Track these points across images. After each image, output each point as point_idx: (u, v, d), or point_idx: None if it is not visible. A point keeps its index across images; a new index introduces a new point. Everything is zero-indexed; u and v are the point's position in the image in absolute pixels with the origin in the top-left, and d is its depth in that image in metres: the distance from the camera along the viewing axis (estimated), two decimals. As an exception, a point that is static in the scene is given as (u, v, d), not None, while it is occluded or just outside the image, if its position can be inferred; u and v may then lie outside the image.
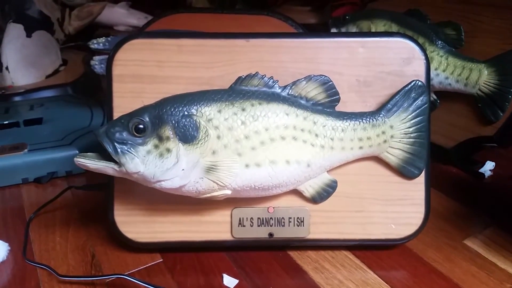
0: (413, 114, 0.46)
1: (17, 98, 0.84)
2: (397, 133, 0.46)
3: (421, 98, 0.46)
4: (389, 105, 0.46)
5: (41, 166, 0.64)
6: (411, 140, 0.46)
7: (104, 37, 0.66)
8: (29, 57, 0.90)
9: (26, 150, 0.64)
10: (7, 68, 0.88)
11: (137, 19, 1.23)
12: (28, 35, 0.91)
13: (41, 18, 0.95)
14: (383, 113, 0.46)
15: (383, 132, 0.46)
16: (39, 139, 0.67)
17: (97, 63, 0.66)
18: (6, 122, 0.72)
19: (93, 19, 1.06)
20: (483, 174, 0.64)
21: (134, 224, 0.48)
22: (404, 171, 0.47)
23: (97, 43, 0.65)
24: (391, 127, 0.46)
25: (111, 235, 0.51)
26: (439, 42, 0.65)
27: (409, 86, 0.46)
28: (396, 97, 0.46)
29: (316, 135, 0.44)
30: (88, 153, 0.42)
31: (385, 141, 0.46)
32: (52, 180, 0.64)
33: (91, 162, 0.41)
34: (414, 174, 0.47)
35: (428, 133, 0.47)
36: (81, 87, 0.90)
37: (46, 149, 0.65)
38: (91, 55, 0.74)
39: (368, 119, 0.45)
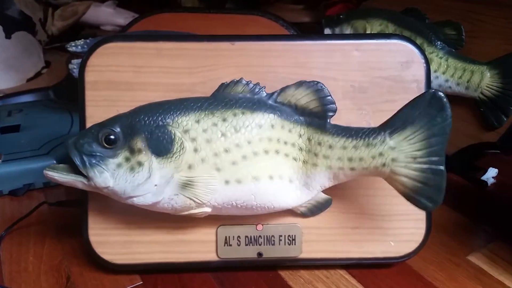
0: (425, 133, 0.38)
1: (-4, 103, 0.80)
2: (401, 156, 0.38)
3: (440, 114, 0.37)
4: (392, 121, 0.38)
5: (16, 178, 0.60)
6: (422, 166, 0.38)
7: (82, 39, 0.62)
8: (8, 59, 0.86)
9: (0, 160, 0.60)
10: (-15, 71, 0.84)
11: (124, 18, 1.18)
12: (8, 36, 0.87)
13: (21, 19, 0.91)
14: (384, 130, 0.38)
15: (381, 154, 0.38)
16: (15, 148, 0.63)
17: (76, 67, 0.61)
18: (-18, 130, 0.67)
19: (78, 18, 1.02)
20: (485, 182, 0.61)
21: (111, 244, 0.44)
22: (413, 202, 0.38)
23: (75, 46, 0.61)
24: (392, 148, 0.38)
25: (88, 254, 0.47)
26: (439, 42, 0.62)
27: (422, 97, 0.37)
28: (404, 110, 0.38)
29: (300, 149, 0.40)
30: (60, 165, 0.39)
31: (383, 165, 0.38)
32: (28, 192, 0.60)
33: (60, 175, 0.38)
34: (427, 207, 0.38)
35: (444, 157, 0.38)
36: (63, 90, 0.86)
37: (22, 159, 0.61)
38: (74, 57, 0.70)
39: (362, 137, 0.39)
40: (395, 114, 0.39)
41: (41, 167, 0.60)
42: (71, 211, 0.55)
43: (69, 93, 0.85)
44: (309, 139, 0.40)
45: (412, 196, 0.38)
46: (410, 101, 0.38)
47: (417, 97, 0.38)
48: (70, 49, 0.62)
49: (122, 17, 1.21)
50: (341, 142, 0.39)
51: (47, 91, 0.85)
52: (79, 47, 0.61)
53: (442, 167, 0.37)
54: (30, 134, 0.67)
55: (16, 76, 0.86)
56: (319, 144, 0.40)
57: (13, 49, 0.87)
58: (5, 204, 0.58)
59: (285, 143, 0.40)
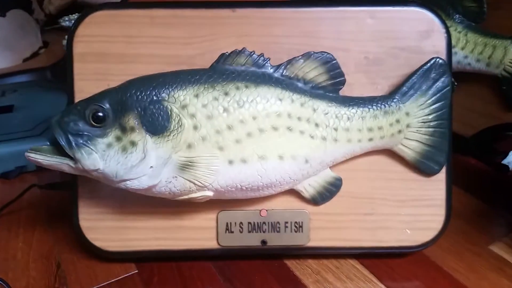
0: (433, 98, 0.39)
1: (-10, 84, 0.77)
2: (414, 121, 0.39)
3: (442, 79, 0.39)
4: (404, 88, 0.39)
5: (8, 160, 0.57)
6: (431, 130, 0.39)
7: (76, 13, 0.58)
8: (3, 38, 0.82)
9: (-9, 142, 0.57)
10: (-21, 51, 0.81)
11: (125, -3, 1.14)
12: (2, 14, 0.83)
13: (17, -4, 0.87)
14: (397, 97, 0.39)
15: (398, 121, 0.39)
16: (7, 129, 0.60)
17: (69, 43, 0.58)
18: (-26, 110, 0.64)
19: (76, -3, 0.98)
20: (507, 166, 0.57)
21: (103, 230, 0.41)
22: (422, 167, 0.40)
23: (68, 20, 0.58)
24: (407, 114, 0.39)
25: (79, 241, 0.44)
26: (457, 16, 0.57)
27: (428, 65, 0.39)
28: (413, 78, 0.39)
29: (316, 125, 0.37)
30: (43, 147, 0.36)
31: (399, 132, 0.39)
32: (21, 175, 0.57)
33: (43, 158, 0.35)
34: (434, 170, 0.40)
35: (449, 121, 0.40)
36: (61, 71, 0.82)
37: (14, 140, 0.58)
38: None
39: (379, 105, 0.38)
40: (404, 81, 0.39)
41: (33, 149, 0.57)
42: (64, 195, 0.52)
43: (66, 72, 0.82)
44: (325, 114, 0.37)
45: (421, 160, 0.40)
46: (418, 69, 0.39)
47: (423, 64, 0.39)
48: (63, 23, 0.58)
49: (123, -4, 1.17)
50: (359, 113, 0.38)
51: (44, 71, 0.82)
52: (73, 21, 0.57)
53: (446, 130, 0.39)
54: (23, 114, 0.64)
55: (12, 55, 0.83)
56: (337, 117, 0.37)
57: (8, 28, 0.84)
58: (-4, 188, 0.56)
59: (299, 119, 0.36)
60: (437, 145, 0.39)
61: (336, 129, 0.37)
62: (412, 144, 0.39)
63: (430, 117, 0.39)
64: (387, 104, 0.38)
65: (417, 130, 0.39)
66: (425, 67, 0.39)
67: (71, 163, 0.35)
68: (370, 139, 0.38)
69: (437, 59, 0.39)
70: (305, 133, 0.37)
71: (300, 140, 0.37)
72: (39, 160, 0.35)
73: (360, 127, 0.38)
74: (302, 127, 0.37)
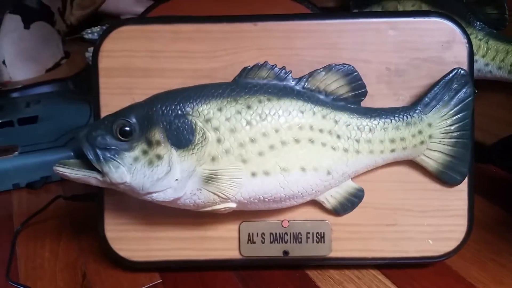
0: (455, 109, 0.39)
1: (14, 94, 0.79)
2: (437, 132, 0.39)
3: (464, 89, 0.39)
4: (426, 99, 0.39)
5: (33, 170, 0.58)
6: (453, 140, 0.39)
7: (99, 26, 0.60)
8: (27, 50, 0.84)
9: (17, 152, 0.58)
10: (4, 62, 0.82)
11: (144, 7, 1.15)
12: (26, 26, 0.85)
13: (40, 8, 0.89)
14: (419, 108, 0.39)
15: (420, 132, 0.39)
16: (32, 139, 0.61)
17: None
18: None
19: (97, 8, 1.00)
20: (530, 175, 0.56)
21: (128, 241, 0.42)
22: (444, 177, 0.40)
23: (91, 33, 0.59)
24: (430, 125, 0.39)
25: (104, 251, 0.45)
26: (478, 23, 0.57)
27: (450, 75, 0.39)
28: (435, 89, 0.39)
29: (338, 137, 0.37)
30: (71, 160, 0.37)
31: (422, 142, 0.39)
32: (46, 185, 0.59)
33: (71, 172, 0.36)
34: (456, 180, 0.40)
35: (472, 131, 0.40)
36: (83, 81, 0.84)
37: (39, 151, 0.59)
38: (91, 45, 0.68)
39: (401, 116, 0.38)
40: (426, 92, 0.39)
41: (58, 159, 0.57)
42: (88, 205, 0.53)
43: (88, 84, 0.84)
44: (346, 125, 0.37)
45: (443, 171, 0.40)
46: (440, 79, 0.39)
47: (444, 75, 0.39)
48: (86, 36, 0.60)
49: (142, 6, 1.18)
50: (381, 124, 0.38)
51: (66, 82, 0.83)
52: (96, 34, 0.59)
53: (469, 140, 0.39)
54: (47, 125, 0.65)
55: (35, 67, 0.85)
56: (359, 129, 0.37)
57: (32, 40, 0.85)
58: (22, 197, 0.57)
59: (321, 131, 0.36)
60: (460, 155, 0.39)
61: (358, 141, 0.38)
62: (434, 155, 0.39)
63: (452, 127, 0.39)
64: (410, 115, 0.38)
65: (440, 141, 0.39)
66: (447, 78, 0.39)
67: (98, 176, 0.35)
68: (392, 150, 0.38)
69: (459, 70, 0.39)
70: (327, 145, 0.37)
71: (322, 152, 0.37)
72: (67, 174, 0.36)
73: (382, 139, 0.38)
74: (324, 139, 0.37)
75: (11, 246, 0.47)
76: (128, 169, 0.35)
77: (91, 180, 0.36)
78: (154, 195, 0.36)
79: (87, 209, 0.52)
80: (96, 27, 0.59)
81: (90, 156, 0.35)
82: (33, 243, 0.48)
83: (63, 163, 0.36)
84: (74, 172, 0.35)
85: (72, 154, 0.58)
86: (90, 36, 0.59)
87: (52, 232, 0.50)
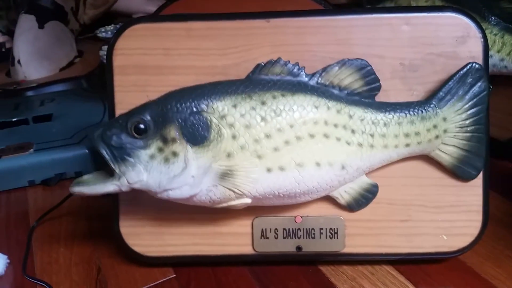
0: (470, 103, 0.39)
1: (29, 93, 0.80)
2: (452, 126, 0.39)
3: (478, 84, 0.39)
4: (441, 93, 0.38)
5: (48, 167, 0.59)
6: (468, 135, 0.39)
7: (112, 25, 0.60)
8: (42, 49, 0.85)
9: (32, 150, 0.59)
10: (19, 61, 0.84)
11: (156, 6, 1.15)
12: (41, 26, 0.86)
13: (54, 8, 0.90)
14: (434, 102, 0.38)
15: (435, 126, 0.38)
16: (47, 137, 0.62)
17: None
18: (15, 119, 0.67)
19: (109, 7, 1.01)
20: (545, 171, 0.55)
21: (142, 236, 0.42)
22: (459, 172, 0.39)
23: (105, 32, 0.59)
24: (444, 119, 0.38)
25: (119, 246, 0.46)
26: (493, 18, 0.56)
27: (465, 70, 0.38)
28: (450, 83, 0.38)
29: (353, 131, 0.37)
30: (83, 178, 0.36)
31: (437, 137, 0.39)
32: (60, 182, 0.59)
33: (89, 188, 0.36)
34: (471, 175, 0.40)
35: (487, 126, 0.39)
36: (96, 79, 0.85)
37: (53, 149, 0.60)
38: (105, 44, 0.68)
39: (416, 111, 0.38)
40: (441, 87, 0.39)
41: (72, 156, 0.59)
42: (103, 201, 0.53)
43: (101, 82, 0.85)
44: (361, 120, 0.37)
45: (458, 165, 0.39)
46: (454, 74, 0.39)
47: (459, 69, 0.39)
48: (100, 35, 0.60)
49: (154, 5, 1.19)
50: (396, 118, 0.38)
51: (79, 80, 0.84)
52: (109, 32, 0.59)
53: (483, 134, 0.39)
54: (62, 123, 0.66)
55: (49, 65, 0.86)
56: (373, 123, 0.37)
57: (46, 39, 0.86)
58: (37, 194, 0.58)
59: (335, 125, 0.36)
60: (475, 150, 0.39)
61: (372, 135, 0.38)
62: (449, 149, 0.39)
63: (467, 122, 0.39)
64: (424, 109, 0.38)
65: (454, 136, 0.39)
66: (461, 72, 0.38)
67: (115, 181, 0.35)
68: (407, 145, 0.38)
69: (474, 64, 0.38)
70: (341, 140, 0.37)
71: (337, 146, 0.37)
72: (85, 192, 0.36)
73: (396, 133, 0.38)
74: (338, 133, 0.37)
75: (27, 242, 0.48)
76: (145, 167, 0.35)
77: (108, 189, 0.36)
78: (170, 192, 0.36)
79: (102, 205, 0.53)
80: (109, 26, 0.60)
81: (106, 156, 0.35)
82: (48, 238, 0.49)
83: (77, 182, 0.36)
84: (90, 188, 0.36)
85: (86, 151, 0.59)
86: (104, 34, 0.59)
87: (67, 228, 0.51)
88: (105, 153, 0.35)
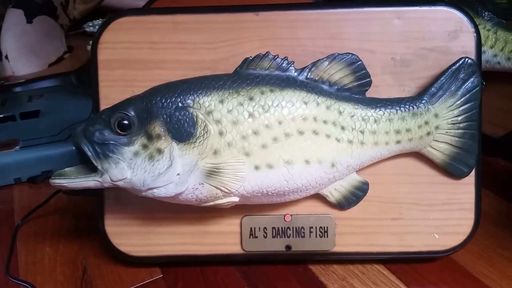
0: (462, 99, 0.38)
1: (17, 89, 0.79)
2: (444, 123, 0.38)
3: (471, 79, 0.38)
4: (433, 89, 0.38)
5: (34, 165, 0.58)
6: (460, 131, 0.38)
7: (100, 19, 0.59)
8: (30, 44, 0.84)
9: (18, 147, 0.58)
10: (6, 57, 0.82)
11: (147, 1, 1.15)
12: (29, 21, 0.85)
13: (42, 2, 0.89)
14: (426, 98, 0.38)
15: (426, 123, 0.38)
16: (33, 134, 0.61)
17: (93, 48, 0.59)
18: (1, 115, 0.66)
19: (100, 1, 0.99)
20: (538, 168, 0.55)
21: (128, 236, 0.41)
22: (451, 169, 0.39)
23: (92, 26, 0.59)
24: (436, 116, 0.38)
25: (104, 246, 0.45)
26: (486, 13, 0.55)
27: (457, 65, 0.38)
28: (442, 78, 0.38)
29: (343, 128, 0.36)
30: (65, 170, 0.35)
31: (428, 134, 0.38)
32: (47, 179, 0.58)
33: (68, 181, 0.34)
34: (463, 172, 0.39)
35: (479, 122, 0.39)
36: (86, 75, 0.83)
37: (40, 146, 0.59)
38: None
39: (407, 107, 0.37)
40: (433, 82, 0.38)
41: (59, 153, 0.58)
42: (89, 200, 0.52)
43: (91, 78, 0.83)
44: (351, 116, 0.36)
45: (450, 163, 0.39)
46: (446, 69, 0.38)
47: (451, 65, 0.38)
48: (87, 29, 0.59)
49: (145, 0, 1.18)
50: (386, 115, 0.37)
51: (69, 76, 0.83)
52: (97, 26, 0.58)
53: (476, 131, 0.38)
54: (49, 119, 0.65)
55: (38, 61, 0.84)
56: (364, 120, 0.36)
57: (34, 34, 0.85)
58: (23, 192, 0.57)
59: (325, 122, 0.36)
60: (467, 147, 0.38)
61: (362, 132, 0.37)
62: (441, 146, 0.38)
63: (459, 118, 0.38)
64: (416, 105, 0.38)
65: (446, 132, 0.38)
66: (453, 67, 0.38)
67: (97, 177, 0.34)
68: (398, 142, 0.38)
69: (466, 59, 0.38)
70: (331, 137, 0.36)
71: (326, 143, 0.36)
72: (64, 184, 0.34)
73: (387, 130, 0.37)
74: (328, 130, 0.36)
75: (11, 241, 0.47)
76: (128, 165, 0.34)
77: (89, 184, 0.35)
78: (155, 190, 0.35)
79: (88, 204, 0.52)
80: (97, 20, 0.59)
81: (89, 153, 0.34)
82: (33, 238, 0.48)
83: (58, 174, 0.35)
84: (71, 181, 0.34)
85: (74, 148, 0.58)
86: (91, 29, 0.59)
87: (52, 227, 0.50)
88: (87, 149, 0.34)
